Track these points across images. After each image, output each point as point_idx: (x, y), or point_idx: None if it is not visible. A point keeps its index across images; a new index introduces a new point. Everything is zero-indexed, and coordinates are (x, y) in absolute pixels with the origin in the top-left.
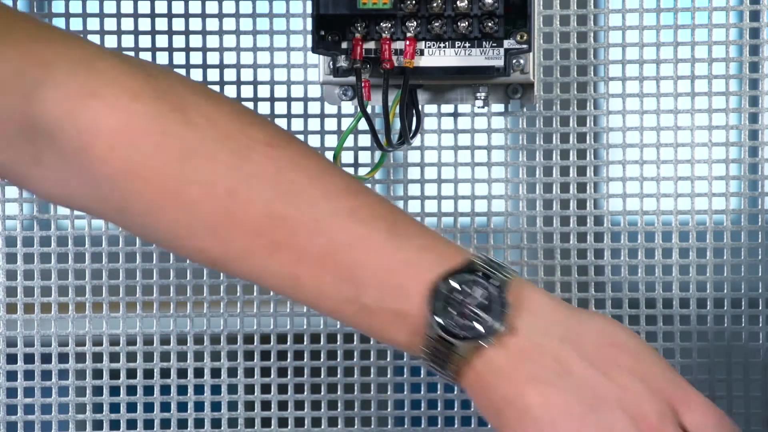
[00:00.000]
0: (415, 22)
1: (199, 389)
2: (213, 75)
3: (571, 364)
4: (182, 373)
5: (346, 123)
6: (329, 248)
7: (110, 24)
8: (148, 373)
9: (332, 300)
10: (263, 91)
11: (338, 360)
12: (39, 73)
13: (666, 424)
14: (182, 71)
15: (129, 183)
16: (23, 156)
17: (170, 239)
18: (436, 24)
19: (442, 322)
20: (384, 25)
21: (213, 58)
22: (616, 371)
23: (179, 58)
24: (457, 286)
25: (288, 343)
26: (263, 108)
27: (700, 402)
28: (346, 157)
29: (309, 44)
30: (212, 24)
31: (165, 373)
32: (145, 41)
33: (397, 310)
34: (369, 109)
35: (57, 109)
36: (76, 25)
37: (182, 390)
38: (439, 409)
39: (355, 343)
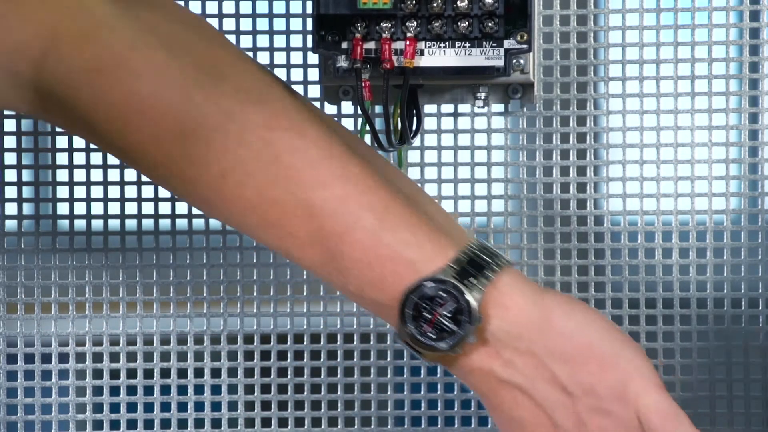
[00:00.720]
0: (415, 22)
1: (199, 389)
2: None
3: (537, 370)
4: (182, 373)
5: (345, 123)
6: (317, 235)
7: None
8: (148, 373)
9: (320, 274)
10: None
11: (338, 360)
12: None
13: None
14: None
15: (134, 155)
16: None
17: (178, 193)
18: (437, 24)
19: (412, 331)
20: (384, 25)
21: None
22: (581, 376)
23: None
24: (428, 293)
25: (288, 343)
26: None
27: (663, 404)
28: None
29: (309, 44)
30: (212, 24)
31: (165, 373)
32: None
33: (375, 300)
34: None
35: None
36: None
37: (182, 390)
38: (439, 409)
39: (355, 343)
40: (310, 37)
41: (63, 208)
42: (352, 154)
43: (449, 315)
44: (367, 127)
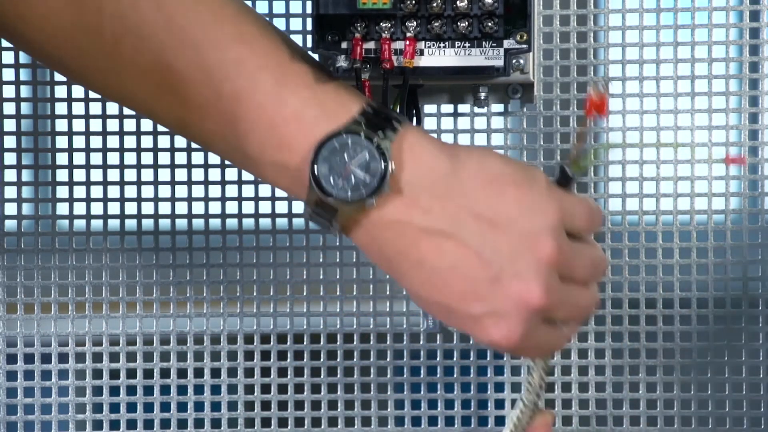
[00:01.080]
0: (414, 22)
1: (199, 389)
2: None
3: (458, 211)
4: (182, 373)
5: None
6: (213, 99)
7: None
8: (148, 373)
9: (218, 146)
10: None
11: (338, 360)
12: None
13: (558, 240)
14: None
15: (12, 23)
16: None
17: (75, 80)
18: (436, 24)
19: (324, 185)
20: (384, 25)
21: None
22: (503, 205)
23: None
24: (338, 146)
25: (288, 343)
26: None
27: (580, 206)
28: None
29: (309, 44)
30: None
31: (165, 373)
32: None
33: (279, 162)
34: None
35: None
36: None
37: (182, 390)
38: (439, 409)
39: (355, 343)
40: (309, 37)
41: (63, 208)
42: (247, 15)
43: (361, 166)
44: None
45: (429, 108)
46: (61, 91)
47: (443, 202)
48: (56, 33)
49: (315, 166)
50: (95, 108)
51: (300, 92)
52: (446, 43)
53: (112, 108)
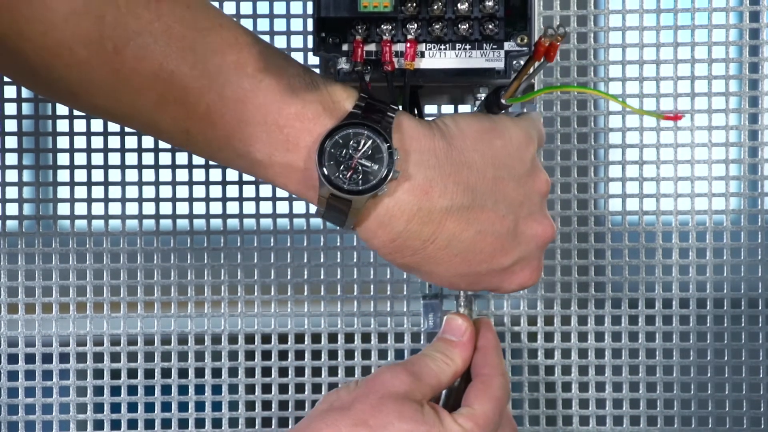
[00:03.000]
0: (415, 25)
1: (200, 389)
2: None
3: (468, 180)
4: (183, 373)
5: None
6: (217, 105)
7: None
8: (149, 373)
9: (224, 154)
10: None
11: (339, 360)
12: None
13: (542, 168)
14: None
15: (14, 43)
16: None
17: (67, 98)
18: (437, 26)
19: (333, 180)
20: (385, 27)
21: None
22: (498, 158)
23: None
24: (341, 140)
25: (289, 343)
26: None
27: (533, 127)
28: None
29: (310, 45)
30: None
31: (166, 373)
32: None
33: (287, 164)
34: None
35: None
36: None
37: (183, 390)
38: None
39: (356, 342)
40: (310, 38)
41: (64, 209)
42: (237, 24)
43: (367, 156)
44: None
45: (429, 108)
46: None
47: (453, 178)
48: (58, 50)
49: (322, 161)
50: None
51: (299, 92)
52: (447, 45)
53: None
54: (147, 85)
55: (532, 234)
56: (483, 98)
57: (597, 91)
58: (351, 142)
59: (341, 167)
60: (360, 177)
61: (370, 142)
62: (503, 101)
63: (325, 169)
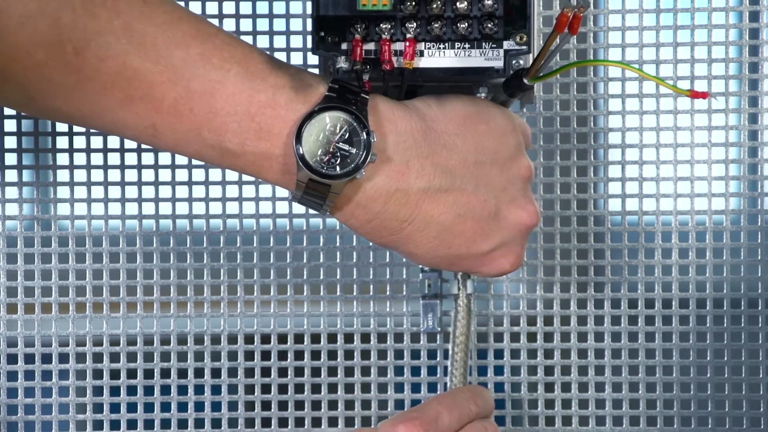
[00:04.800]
0: (414, 23)
1: (199, 389)
2: None
3: (446, 163)
4: (182, 373)
5: None
6: (184, 98)
7: None
8: (149, 374)
9: (193, 146)
10: None
11: (338, 360)
12: None
13: (526, 154)
14: None
15: None
16: None
17: (22, 102)
18: (436, 25)
19: (312, 165)
20: (384, 26)
21: None
22: (480, 143)
23: None
24: (317, 124)
25: (288, 343)
26: None
27: (517, 117)
28: None
29: (309, 45)
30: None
31: (165, 374)
32: None
33: (261, 152)
34: None
35: None
36: None
37: (182, 390)
38: None
39: (355, 343)
40: (309, 38)
41: (63, 209)
42: (197, 16)
43: (345, 140)
44: None
45: None
46: None
47: (431, 159)
48: (14, 53)
49: (299, 148)
50: None
51: (268, 79)
52: (446, 44)
53: None
54: (111, 84)
55: (514, 219)
56: (487, 94)
57: (628, 65)
58: (327, 126)
59: (319, 151)
60: (338, 161)
61: (347, 125)
62: (526, 81)
63: (302, 153)
